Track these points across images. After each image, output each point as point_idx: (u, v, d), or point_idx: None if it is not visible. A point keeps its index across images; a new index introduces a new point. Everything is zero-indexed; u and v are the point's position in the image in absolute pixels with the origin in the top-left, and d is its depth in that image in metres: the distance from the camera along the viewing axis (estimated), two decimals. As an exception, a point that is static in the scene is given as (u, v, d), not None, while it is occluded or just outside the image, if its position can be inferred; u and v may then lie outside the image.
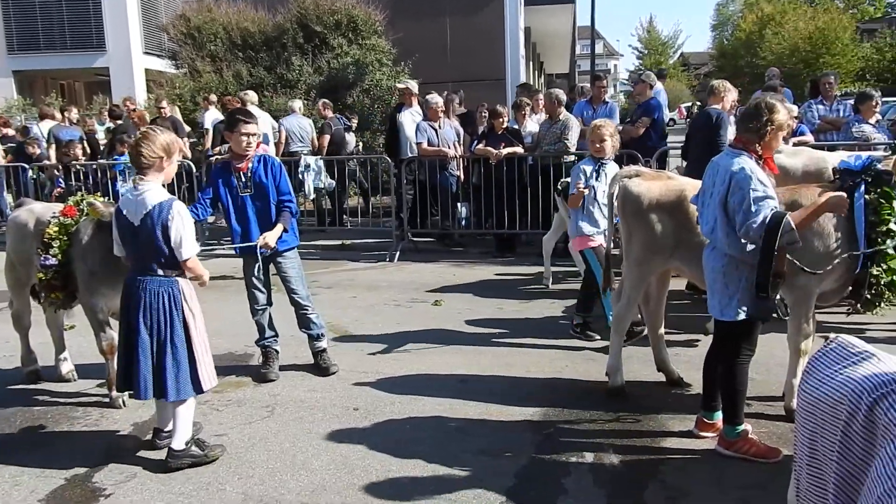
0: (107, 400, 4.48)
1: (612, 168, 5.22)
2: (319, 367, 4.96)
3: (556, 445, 3.75)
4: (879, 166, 4.02)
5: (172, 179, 3.88)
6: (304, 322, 4.99)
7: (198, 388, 3.58)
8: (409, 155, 9.48)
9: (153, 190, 3.53)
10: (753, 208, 3.26)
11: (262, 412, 4.33)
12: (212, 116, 11.67)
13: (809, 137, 7.81)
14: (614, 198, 4.40)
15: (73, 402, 4.57)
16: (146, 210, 3.48)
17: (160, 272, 3.55)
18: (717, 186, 3.44)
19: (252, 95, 10.97)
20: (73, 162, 10.93)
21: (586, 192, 5.20)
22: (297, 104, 11.60)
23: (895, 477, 1.59)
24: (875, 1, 46.18)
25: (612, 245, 4.59)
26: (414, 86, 10.23)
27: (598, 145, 5.22)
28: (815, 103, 9.06)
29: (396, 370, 4.93)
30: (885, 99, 13.60)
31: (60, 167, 11.25)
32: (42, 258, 4.29)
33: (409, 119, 9.72)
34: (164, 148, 3.54)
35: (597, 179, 5.21)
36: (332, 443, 3.86)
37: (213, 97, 12.15)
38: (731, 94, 6.54)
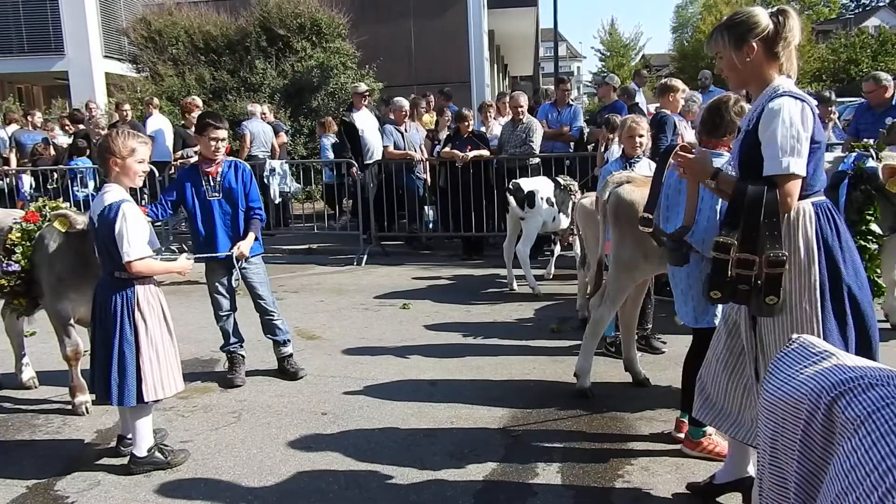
0: (69, 407, 4.41)
1: (643, 167, 5.03)
2: (286, 373, 4.95)
3: (524, 448, 3.78)
4: (869, 164, 4.04)
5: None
6: (269, 328, 4.96)
7: (140, 398, 3.50)
8: (372, 158, 9.48)
9: (112, 192, 3.50)
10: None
11: (229, 418, 4.30)
12: (155, 122, 11.24)
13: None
14: (605, 205, 4.34)
15: (35, 410, 4.49)
16: (99, 211, 3.48)
17: (115, 275, 3.51)
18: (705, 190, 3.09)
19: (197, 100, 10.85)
20: (34, 167, 10.76)
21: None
22: (258, 108, 11.50)
23: (851, 474, 1.63)
24: (829, 2, 47.33)
25: (604, 251, 4.54)
26: (363, 88, 10.19)
27: (633, 142, 5.01)
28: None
29: (364, 374, 4.93)
30: (840, 99, 13.98)
31: (27, 172, 11.07)
32: (4, 264, 4.21)
33: (366, 122, 9.67)
34: (129, 150, 3.51)
35: None
36: (299, 448, 3.84)
37: (157, 101, 11.81)
38: (679, 94, 6.64)
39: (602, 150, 7.34)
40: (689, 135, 8.11)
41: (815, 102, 2.71)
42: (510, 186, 7.33)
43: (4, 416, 4.42)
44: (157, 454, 3.64)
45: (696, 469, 3.47)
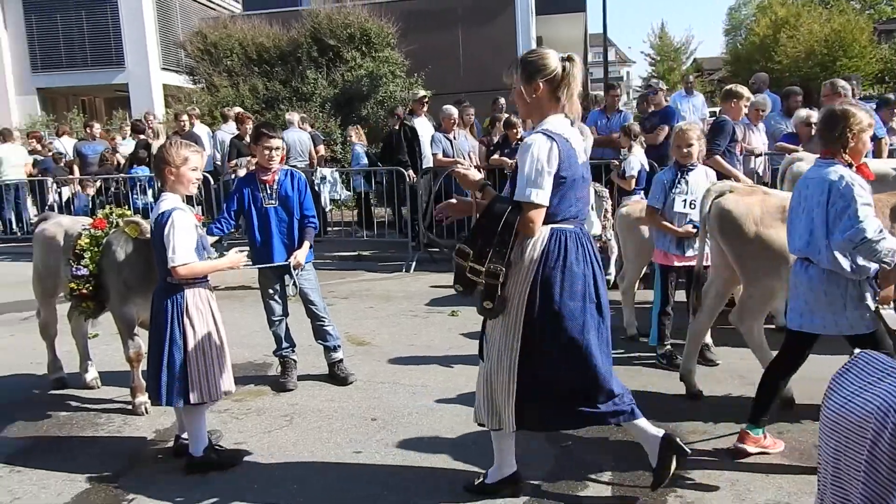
0: (129, 406, 4.57)
1: (698, 174, 4.98)
2: (336, 378, 5.02)
3: (574, 458, 3.75)
4: None
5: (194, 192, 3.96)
6: (320, 334, 5.05)
7: (185, 399, 3.62)
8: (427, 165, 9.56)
9: (167, 200, 3.65)
10: (861, 215, 3.08)
11: (281, 421, 4.39)
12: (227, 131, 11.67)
13: None
14: (706, 216, 4.19)
15: (98, 409, 4.66)
16: (154, 219, 3.64)
17: (167, 280, 3.65)
18: (815, 199, 3.24)
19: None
20: (96, 177, 11.17)
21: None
22: (296, 117, 11.69)
23: None
24: (892, 1, 45.77)
25: (702, 263, 4.38)
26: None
27: (684, 150, 4.94)
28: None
29: (413, 381, 4.98)
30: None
31: (89, 181, 11.49)
32: (73, 269, 4.40)
33: (425, 129, 9.74)
34: (183, 159, 3.65)
35: (676, 189, 4.96)
36: (349, 452, 3.90)
37: (197, 111, 12.10)
38: (743, 101, 6.49)
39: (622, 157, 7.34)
40: (755, 138, 7.98)
41: (573, 140, 3.01)
42: None
43: (69, 413, 4.60)
44: (213, 455, 3.75)
45: (751, 485, 3.40)
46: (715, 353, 5.14)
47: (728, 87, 6.69)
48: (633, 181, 7.34)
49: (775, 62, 33.08)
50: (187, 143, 3.78)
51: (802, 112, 7.94)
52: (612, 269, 7.67)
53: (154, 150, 9.93)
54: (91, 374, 5.05)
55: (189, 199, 3.92)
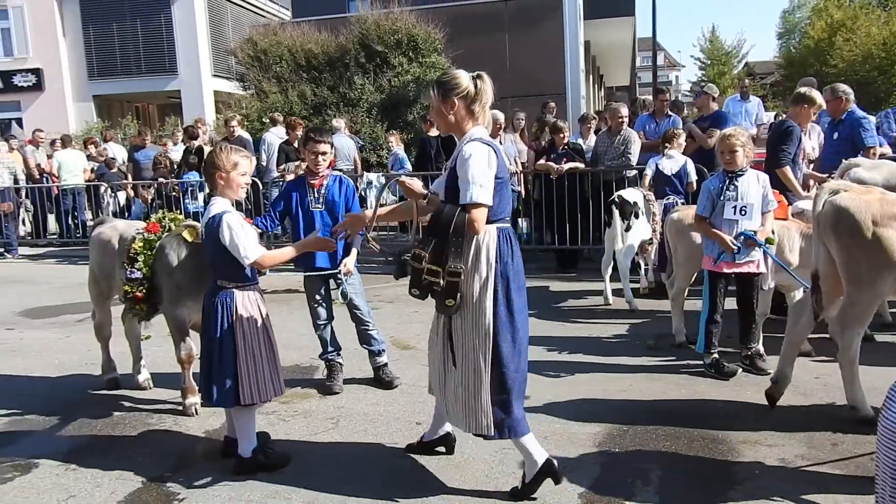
0: (180, 407, 4.65)
1: (748, 180, 4.87)
2: (381, 382, 5.04)
3: (621, 467, 3.70)
4: None
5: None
6: (364, 338, 5.08)
7: (236, 400, 3.68)
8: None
9: (216, 204, 3.72)
10: None
11: (328, 424, 4.42)
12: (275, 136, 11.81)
13: (888, 149, 7.53)
14: (819, 215, 4.10)
15: (149, 409, 4.76)
16: (205, 224, 3.70)
17: (217, 283, 3.74)
18: None
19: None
20: (148, 182, 11.44)
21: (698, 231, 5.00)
22: (342, 122, 11.81)
23: None
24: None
25: (818, 268, 4.19)
26: None
27: (727, 157, 4.88)
28: (893, 113, 8.71)
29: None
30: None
31: (142, 186, 11.79)
32: (128, 272, 4.51)
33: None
34: (232, 164, 3.72)
35: (725, 196, 4.87)
36: (395, 457, 3.91)
37: (238, 118, 12.30)
38: (815, 108, 6.29)
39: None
40: (807, 143, 7.79)
41: (501, 147, 3.26)
42: (615, 199, 7.25)
43: (122, 414, 4.70)
44: (261, 456, 3.80)
45: (804, 497, 3.31)
46: (766, 363, 5.02)
47: (800, 91, 6.43)
48: (647, 179, 7.46)
49: (830, 66, 32.27)
50: (237, 148, 3.85)
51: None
52: (650, 276, 7.60)
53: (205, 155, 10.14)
54: (143, 375, 5.17)
55: (238, 204, 3.99)
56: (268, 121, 12.72)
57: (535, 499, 3.37)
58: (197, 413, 4.57)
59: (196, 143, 11.90)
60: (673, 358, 5.40)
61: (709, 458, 3.76)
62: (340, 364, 5.11)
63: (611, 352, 5.62)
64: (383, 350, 5.14)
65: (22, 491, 3.67)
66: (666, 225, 6.00)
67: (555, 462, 3.40)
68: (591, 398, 4.66)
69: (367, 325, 5.05)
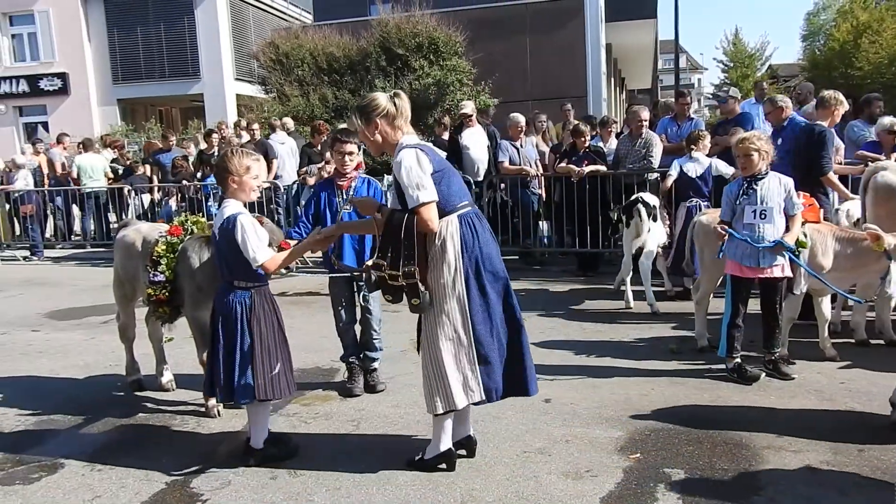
0: (203, 409, 4.69)
1: (769, 183, 4.81)
2: (367, 385, 5.06)
3: (643, 472, 3.67)
4: None
5: (262, 199, 4.11)
6: (368, 344, 5.09)
7: (252, 396, 3.77)
8: (479, 175, 9.53)
9: (230, 206, 3.80)
10: None
11: (348, 426, 4.43)
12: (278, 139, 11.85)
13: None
14: (867, 192, 4.24)
15: (173, 411, 4.80)
16: (219, 225, 3.77)
17: (235, 283, 3.80)
18: None
19: (288, 121, 11.80)
20: (173, 183, 11.56)
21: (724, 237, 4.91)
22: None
23: None
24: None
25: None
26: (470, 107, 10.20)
27: (743, 160, 4.84)
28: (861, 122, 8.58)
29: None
30: None
31: (166, 188, 11.91)
32: (151, 275, 4.56)
33: (473, 140, 9.66)
34: (245, 168, 3.81)
35: (745, 200, 4.82)
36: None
37: (279, 122, 12.44)
38: (842, 108, 6.26)
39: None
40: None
41: (429, 146, 3.58)
42: (638, 199, 7.22)
43: (146, 415, 4.75)
44: (272, 448, 3.93)
45: (826, 502, 3.27)
46: (791, 368, 4.97)
47: (825, 93, 6.37)
48: (669, 181, 7.45)
49: (856, 68, 31.91)
50: (248, 152, 3.95)
51: (886, 120, 7.63)
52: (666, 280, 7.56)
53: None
54: (166, 377, 5.21)
55: (251, 206, 4.07)
56: (269, 127, 12.74)
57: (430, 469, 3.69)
58: (220, 415, 4.60)
59: (214, 146, 11.99)
60: (695, 362, 5.35)
61: (732, 464, 3.71)
62: (360, 367, 5.12)
63: (632, 355, 5.58)
64: (378, 358, 5.16)
65: (48, 491, 3.72)
66: (693, 228, 5.96)
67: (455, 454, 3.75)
68: (613, 402, 4.63)
69: (375, 333, 5.06)
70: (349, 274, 4.92)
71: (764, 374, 4.92)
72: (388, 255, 3.45)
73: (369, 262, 3.56)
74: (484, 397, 3.58)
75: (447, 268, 3.49)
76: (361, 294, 4.92)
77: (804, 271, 4.97)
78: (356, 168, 5.03)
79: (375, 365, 5.15)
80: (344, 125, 6.86)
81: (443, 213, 3.48)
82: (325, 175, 7.65)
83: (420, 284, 3.44)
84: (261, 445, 3.92)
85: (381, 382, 5.09)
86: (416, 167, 3.41)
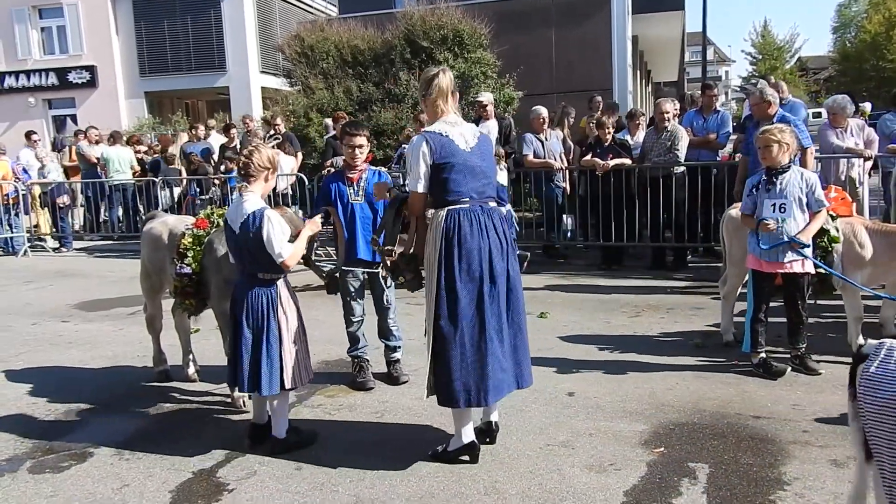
0: (228, 400, 4.74)
1: (789, 176, 4.72)
2: (391, 377, 5.08)
3: (667, 465, 3.66)
4: None
5: (286, 191, 4.17)
6: (384, 331, 5.13)
7: (281, 386, 3.84)
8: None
9: (251, 200, 3.83)
10: None
11: (372, 418, 4.46)
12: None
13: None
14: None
15: (199, 401, 4.87)
16: (243, 218, 3.79)
17: (259, 276, 3.85)
18: None
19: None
20: (192, 177, 11.66)
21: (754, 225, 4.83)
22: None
23: None
24: None
25: None
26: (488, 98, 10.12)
27: (763, 152, 4.75)
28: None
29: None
30: None
31: (189, 181, 12.03)
32: (178, 267, 4.61)
33: (487, 132, 9.61)
34: (270, 160, 3.88)
35: (766, 193, 4.76)
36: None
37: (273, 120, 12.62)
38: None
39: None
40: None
41: (452, 134, 3.67)
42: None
43: (172, 405, 4.82)
44: (294, 435, 4.02)
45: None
46: (816, 364, 4.91)
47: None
48: None
49: (887, 60, 31.33)
50: (270, 146, 3.98)
51: (919, 113, 7.50)
52: None
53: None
54: (192, 368, 5.27)
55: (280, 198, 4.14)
56: (314, 118, 12.85)
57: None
58: (245, 406, 4.64)
59: (235, 139, 12.09)
60: (721, 357, 5.31)
61: (757, 458, 3.68)
62: (368, 359, 5.13)
63: (657, 350, 5.55)
64: (400, 346, 5.17)
65: (78, 479, 3.79)
66: (722, 222, 5.89)
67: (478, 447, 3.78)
68: (637, 396, 4.61)
69: (391, 320, 5.09)
70: (360, 270, 4.93)
71: (790, 369, 4.87)
72: (381, 235, 3.89)
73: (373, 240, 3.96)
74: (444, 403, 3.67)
75: (427, 259, 3.71)
76: (383, 280, 4.93)
77: (838, 268, 4.90)
78: (366, 160, 5.04)
79: (397, 355, 5.16)
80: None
81: (442, 203, 3.64)
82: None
83: (401, 265, 3.82)
84: (284, 435, 3.99)
85: (405, 374, 5.10)
86: (415, 157, 3.63)
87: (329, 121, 12.50)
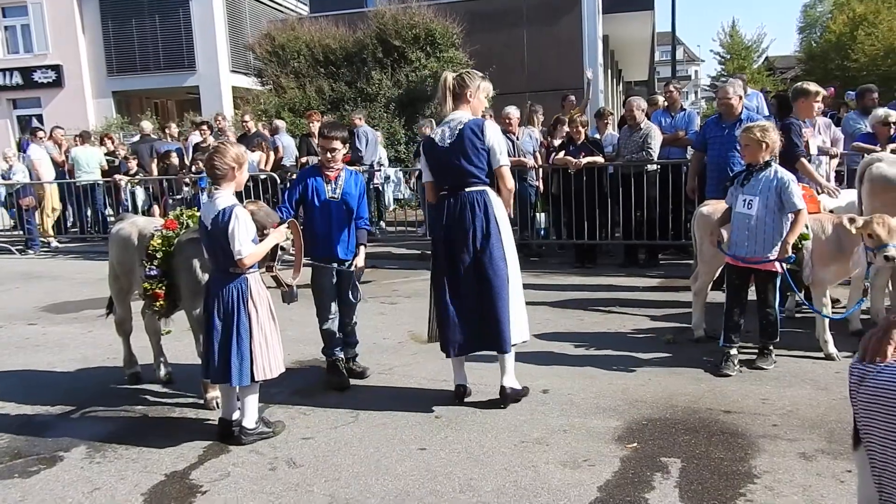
0: (201, 401, 4.70)
1: (765, 174, 4.78)
2: (353, 372, 5.13)
3: (640, 460, 3.70)
4: None
5: (257, 189, 4.18)
6: (345, 329, 5.15)
7: (251, 377, 3.93)
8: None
9: (223, 197, 3.91)
10: None
11: (347, 417, 4.45)
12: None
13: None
14: (862, 183, 4.56)
15: (171, 403, 4.81)
16: (214, 215, 3.86)
17: (230, 270, 3.92)
18: None
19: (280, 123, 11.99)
20: (162, 176, 11.52)
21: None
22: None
23: None
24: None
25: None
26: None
27: (743, 149, 4.90)
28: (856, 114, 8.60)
29: (476, 379, 4.95)
30: None
31: (162, 181, 11.88)
32: (147, 269, 4.55)
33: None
34: (235, 159, 3.93)
35: (742, 189, 4.86)
36: (414, 449, 3.93)
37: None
38: (812, 98, 6.35)
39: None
40: (820, 136, 7.72)
41: (436, 136, 4.39)
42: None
43: (144, 408, 4.76)
44: (263, 427, 4.09)
45: (825, 491, 3.30)
46: (765, 363, 5.00)
47: (798, 85, 6.53)
48: None
49: (852, 60, 31.93)
50: (238, 144, 4.11)
51: (880, 111, 7.65)
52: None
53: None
54: (164, 370, 5.21)
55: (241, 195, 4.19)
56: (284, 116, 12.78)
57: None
58: (218, 406, 4.58)
59: (208, 138, 11.98)
60: (692, 353, 5.37)
61: (728, 452, 3.74)
62: (342, 359, 5.13)
63: (630, 346, 5.60)
64: (358, 342, 5.28)
65: (48, 483, 3.73)
66: (694, 219, 5.96)
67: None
68: (611, 393, 4.65)
69: (352, 321, 5.16)
70: (334, 266, 4.93)
71: (733, 375, 4.90)
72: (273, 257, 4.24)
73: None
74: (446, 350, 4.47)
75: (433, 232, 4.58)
76: (353, 294, 5.00)
77: (809, 263, 5.04)
78: (344, 160, 5.09)
79: (357, 350, 5.26)
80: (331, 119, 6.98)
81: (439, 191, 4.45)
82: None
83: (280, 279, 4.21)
84: (254, 425, 4.07)
85: (367, 367, 5.19)
86: (419, 156, 4.28)
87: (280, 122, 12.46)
